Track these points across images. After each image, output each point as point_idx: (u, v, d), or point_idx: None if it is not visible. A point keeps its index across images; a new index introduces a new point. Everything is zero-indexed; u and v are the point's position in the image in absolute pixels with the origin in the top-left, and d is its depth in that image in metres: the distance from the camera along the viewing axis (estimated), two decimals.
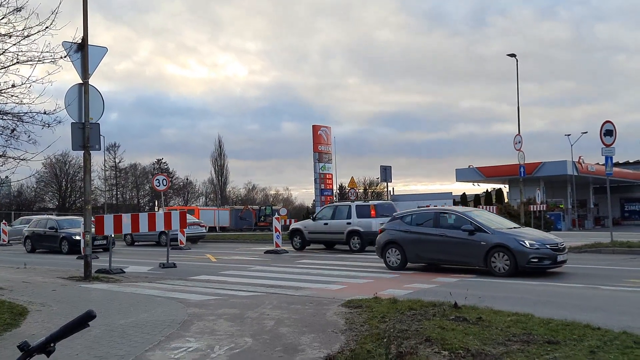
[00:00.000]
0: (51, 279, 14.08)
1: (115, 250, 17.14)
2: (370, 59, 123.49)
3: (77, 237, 23.94)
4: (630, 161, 65.94)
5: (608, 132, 21.11)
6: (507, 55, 36.32)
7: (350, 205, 22.45)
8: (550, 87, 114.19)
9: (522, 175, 36.12)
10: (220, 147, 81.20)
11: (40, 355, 2.18)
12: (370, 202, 23.69)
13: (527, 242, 13.03)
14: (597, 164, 50.99)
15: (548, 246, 13.19)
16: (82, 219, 30.83)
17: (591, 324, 7.16)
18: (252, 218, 55.06)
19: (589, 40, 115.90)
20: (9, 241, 33.46)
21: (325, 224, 22.45)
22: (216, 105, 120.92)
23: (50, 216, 34.30)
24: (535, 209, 38.59)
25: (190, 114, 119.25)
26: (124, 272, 15.41)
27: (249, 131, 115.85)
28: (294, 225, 24.81)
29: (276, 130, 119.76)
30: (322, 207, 23.66)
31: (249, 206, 60.94)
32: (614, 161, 22.95)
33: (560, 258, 13.27)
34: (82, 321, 2.23)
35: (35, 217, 33.11)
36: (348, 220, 21.77)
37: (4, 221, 36.29)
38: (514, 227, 14.65)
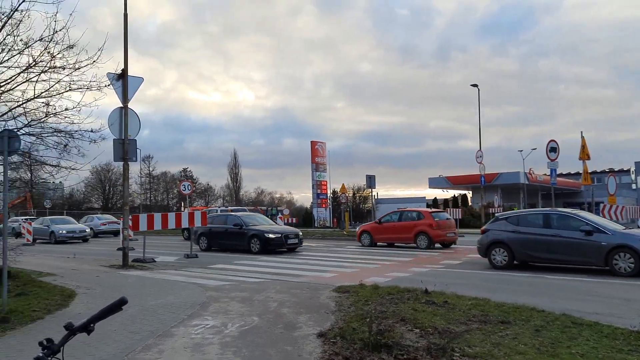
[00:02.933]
0: (95, 267, 14.04)
1: (147, 243, 17.07)
2: (354, 86, 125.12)
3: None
4: (572, 172, 66.05)
5: (552, 149, 21.18)
6: (471, 85, 36.47)
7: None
8: (503, 110, 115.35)
9: (483, 183, 36.23)
10: (236, 158, 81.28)
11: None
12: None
13: None
14: (544, 174, 51.14)
15: None
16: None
17: (537, 307, 7.18)
18: None
19: (533, 72, 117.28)
20: (33, 240, 26.86)
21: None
22: (229, 124, 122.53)
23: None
24: (493, 211, 38.62)
25: (208, 131, 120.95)
26: (155, 262, 15.36)
27: (256, 145, 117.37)
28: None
29: (278, 145, 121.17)
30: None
31: (258, 207, 61.00)
32: (557, 172, 22.99)
33: None
34: (117, 306, 2.24)
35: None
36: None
37: (28, 220, 30.41)
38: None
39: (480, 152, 34.49)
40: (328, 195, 55.43)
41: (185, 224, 17.48)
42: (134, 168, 71.11)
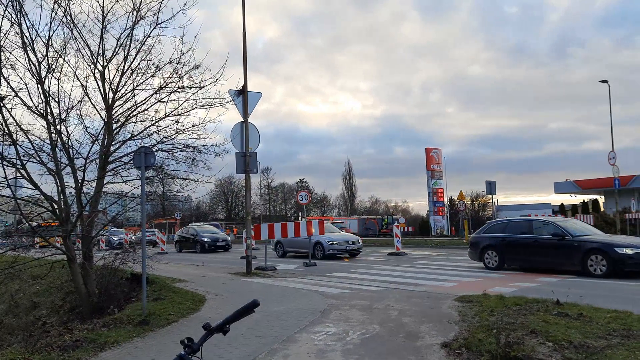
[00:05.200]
0: (222, 274, 14.83)
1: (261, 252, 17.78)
2: (464, 90, 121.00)
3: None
4: None
5: None
6: (600, 81, 33.65)
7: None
8: (636, 108, 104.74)
9: (617, 187, 33.21)
10: (350, 168, 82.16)
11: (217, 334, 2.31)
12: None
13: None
14: None
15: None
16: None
17: None
18: (374, 226, 55.18)
19: None
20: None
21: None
22: (339, 134, 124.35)
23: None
24: (631, 217, 35.25)
25: (319, 141, 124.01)
26: (276, 270, 15.90)
27: (367, 154, 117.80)
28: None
29: (390, 153, 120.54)
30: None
31: (368, 217, 61.69)
32: None
33: None
34: (249, 308, 2.33)
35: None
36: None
37: (162, 230, 32.79)
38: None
39: (613, 152, 31.67)
40: (445, 202, 54.03)
41: (303, 233, 17.94)
42: (254, 180, 74.39)
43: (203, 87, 10.61)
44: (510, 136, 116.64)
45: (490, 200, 44.11)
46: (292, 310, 8.48)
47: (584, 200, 55.11)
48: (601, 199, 56.07)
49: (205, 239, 28.03)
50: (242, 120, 14.63)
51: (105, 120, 10.07)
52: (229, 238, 30.13)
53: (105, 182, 10.26)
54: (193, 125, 10.67)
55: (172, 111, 10.49)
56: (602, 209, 51.92)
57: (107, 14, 9.81)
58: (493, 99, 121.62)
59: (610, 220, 34.16)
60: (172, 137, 10.70)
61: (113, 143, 10.26)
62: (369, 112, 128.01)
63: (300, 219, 47.31)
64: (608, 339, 5.71)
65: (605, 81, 33.50)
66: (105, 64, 10.05)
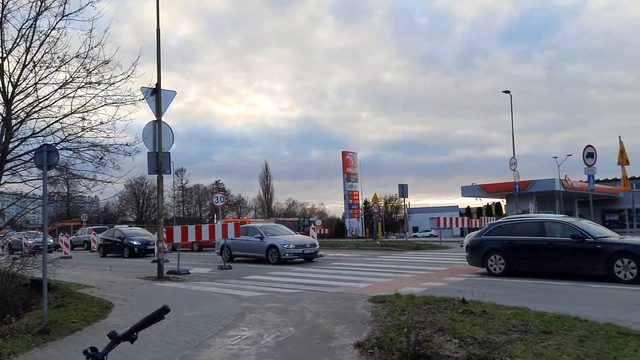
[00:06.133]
0: (131, 279, 14.25)
1: (180, 255, 17.26)
2: (378, 95, 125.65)
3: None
4: (609, 178, 64.31)
5: (589, 154, 20.71)
6: (503, 91, 35.95)
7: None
8: (532, 117, 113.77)
9: (517, 191, 35.54)
10: (267, 170, 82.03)
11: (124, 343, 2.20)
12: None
13: None
14: (581, 181, 49.92)
15: None
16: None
17: (579, 316, 6.95)
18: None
19: (561, 78, 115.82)
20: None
21: None
22: (255, 135, 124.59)
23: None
24: None
25: (235, 143, 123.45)
26: (189, 273, 15.51)
27: (283, 156, 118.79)
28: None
29: (306, 156, 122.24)
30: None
31: (285, 219, 61.87)
32: (595, 179, 22.39)
33: None
34: (159, 314, 2.24)
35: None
36: None
37: (65, 233, 30.33)
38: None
39: (514, 159, 33.88)
40: (360, 205, 55.24)
41: (218, 235, 17.63)
42: (167, 181, 72.33)
43: (113, 83, 10.17)
44: (420, 141, 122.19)
45: (403, 203, 45.67)
46: (205, 315, 8.30)
47: (488, 204, 58.57)
48: (503, 202, 59.82)
49: (135, 242, 26.29)
50: (155, 119, 14.13)
51: (4, 115, 9.37)
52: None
53: (2, 181, 9.54)
54: (101, 123, 10.18)
55: (79, 108, 9.97)
56: (504, 212, 55.37)
57: (7, 2, 9.14)
58: (405, 105, 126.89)
59: None
60: (78, 135, 10.13)
61: (12, 140, 9.57)
62: (285, 115, 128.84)
63: (215, 222, 46.47)
64: (508, 335, 6.08)
65: (507, 92, 35.81)
66: (5, 55, 9.37)
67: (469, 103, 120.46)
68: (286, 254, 18.26)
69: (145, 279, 14.19)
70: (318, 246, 19.79)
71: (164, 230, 15.50)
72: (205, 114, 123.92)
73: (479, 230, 14.58)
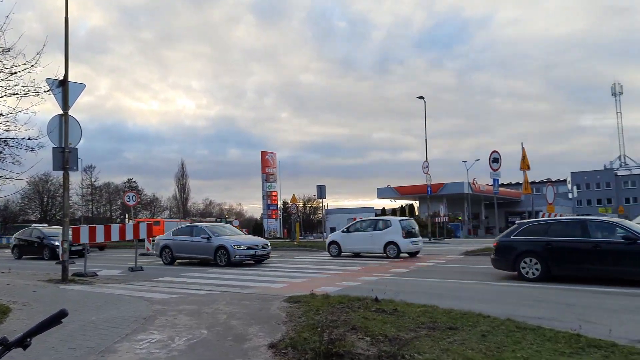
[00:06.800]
0: (32, 282, 13.35)
1: (90, 256, 16.42)
2: (297, 97, 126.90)
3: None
4: (513, 182, 68.56)
5: (495, 159, 22.00)
6: (417, 97, 37.29)
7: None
8: (443, 123, 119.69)
9: (429, 193, 37.02)
10: (183, 169, 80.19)
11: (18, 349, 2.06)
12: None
13: None
14: (487, 184, 52.89)
15: None
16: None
17: (483, 312, 7.34)
18: None
19: (470, 86, 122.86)
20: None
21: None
22: (170, 133, 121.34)
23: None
24: (439, 220, 39.49)
25: (148, 140, 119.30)
26: (97, 275, 14.79)
27: (200, 155, 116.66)
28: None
29: (224, 155, 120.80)
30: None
31: (201, 219, 60.71)
32: (499, 182, 23.79)
33: None
34: (56, 318, 2.11)
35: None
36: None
37: None
38: None
39: (426, 162, 35.27)
40: (278, 206, 55.26)
41: (129, 236, 16.94)
42: (75, 178, 68.73)
43: (15, 73, 9.52)
44: (338, 143, 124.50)
45: (321, 204, 46.16)
46: (112, 318, 7.93)
47: (402, 205, 60.61)
48: (416, 203, 62.15)
49: (57, 243, 23.76)
50: (62, 112, 13.34)
51: None
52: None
53: None
54: (1, 115, 9.49)
55: None
56: (417, 213, 57.49)
57: None
58: (324, 107, 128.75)
59: (423, 223, 37.92)
60: None
61: None
62: (202, 113, 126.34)
63: (126, 221, 44.65)
64: (417, 331, 6.31)
65: (421, 97, 37.20)
66: None
67: (385, 107, 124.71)
68: (237, 256, 17.27)
69: (48, 281, 13.34)
70: (270, 247, 18.96)
71: (70, 229, 14.66)
72: (116, 109, 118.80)
73: (507, 231, 13.29)
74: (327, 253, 21.40)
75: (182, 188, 79.53)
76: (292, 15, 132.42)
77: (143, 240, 22.97)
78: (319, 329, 5.84)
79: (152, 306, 9.00)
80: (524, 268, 12.10)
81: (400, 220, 19.92)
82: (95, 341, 6.40)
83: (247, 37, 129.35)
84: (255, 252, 17.81)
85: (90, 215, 73.18)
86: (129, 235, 16.88)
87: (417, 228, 20.74)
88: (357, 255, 20.80)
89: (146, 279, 13.89)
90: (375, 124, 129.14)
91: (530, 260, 12.02)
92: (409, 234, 19.64)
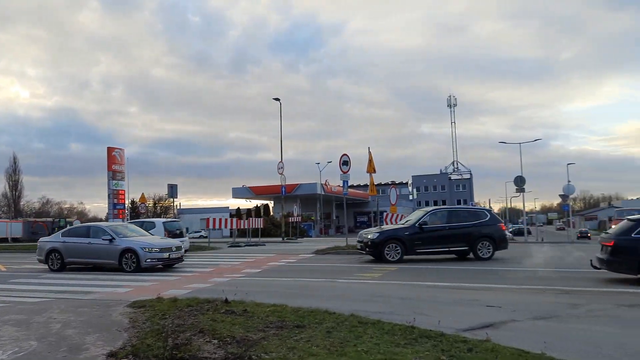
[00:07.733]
0: None
1: None
2: (147, 91, 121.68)
3: None
4: (361, 184, 72.55)
5: (345, 162, 23.08)
6: (273, 99, 37.75)
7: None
8: (298, 125, 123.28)
9: (284, 193, 37.67)
10: (15, 164, 72.34)
11: None
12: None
13: None
14: (338, 186, 55.30)
15: None
16: None
17: (329, 309, 7.63)
18: (44, 231, 49.97)
19: (323, 90, 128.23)
20: None
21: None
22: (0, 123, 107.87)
23: None
24: (293, 220, 40.32)
25: None
26: None
27: (36, 149, 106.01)
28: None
29: (64, 149, 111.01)
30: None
31: (36, 219, 55.77)
32: (349, 184, 24.98)
33: None
34: None
35: None
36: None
37: None
38: None
39: (281, 163, 35.83)
40: (126, 205, 52.32)
41: None
42: None
43: None
44: (192, 141, 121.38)
45: (172, 204, 44.59)
46: None
47: (257, 205, 60.86)
48: (271, 203, 62.83)
49: None
50: None
51: None
52: None
53: None
54: None
55: None
56: (271, 213, 58.20)
57: None
58: (176, 103, 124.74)
59: (277, 223, 38.51)
60: None
61: None
62: (39, 102, 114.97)
63: None
64: (266, 331, 6.36)
65: (277, 99, 37.75)
66: None
67: (242, 107, 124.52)
68: (148, 260, 15.11)
69: None
70: (183, 250, 17.03)
71: None
72: None
73: (620, 230, 10.81)
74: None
75: (14, 185, 71.78)
76: (142, 5, 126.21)
77: None
78: (164, 334, 5.64)
79: None
80: None
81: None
82: None
83: (91, 23, 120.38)
84: (170, 255, 15.63)
85: None
86: None
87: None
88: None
89: None
90: (231, 123, 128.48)
91: None
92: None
